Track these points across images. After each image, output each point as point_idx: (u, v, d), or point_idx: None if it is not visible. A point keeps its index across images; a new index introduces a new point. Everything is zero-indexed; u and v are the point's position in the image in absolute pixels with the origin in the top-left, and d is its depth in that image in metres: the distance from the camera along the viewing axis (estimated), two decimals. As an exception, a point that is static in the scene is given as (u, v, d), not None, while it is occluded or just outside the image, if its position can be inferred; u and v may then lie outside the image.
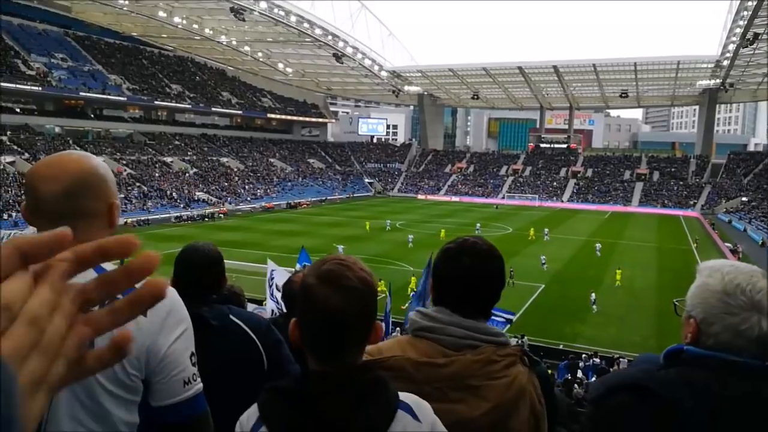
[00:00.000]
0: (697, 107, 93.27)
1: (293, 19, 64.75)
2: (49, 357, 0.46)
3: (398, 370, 1.51)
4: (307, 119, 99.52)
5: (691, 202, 72.57)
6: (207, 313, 2.11)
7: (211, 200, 60.76)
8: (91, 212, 1.38)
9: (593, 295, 27.25)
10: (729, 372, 1.22)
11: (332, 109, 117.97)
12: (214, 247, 2.46)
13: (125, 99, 69.36)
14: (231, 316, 2.22)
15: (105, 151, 62.54)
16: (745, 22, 49.74)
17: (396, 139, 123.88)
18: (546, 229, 48.10)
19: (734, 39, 55.93)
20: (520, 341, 21.23)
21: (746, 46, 54.61)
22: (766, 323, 1.22)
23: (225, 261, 2.50)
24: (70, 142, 61.46)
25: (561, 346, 21.79)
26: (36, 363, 0.45)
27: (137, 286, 0.60)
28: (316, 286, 1.26)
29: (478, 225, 49.94)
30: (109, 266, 1.33)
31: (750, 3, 46.16)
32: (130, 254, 0.58)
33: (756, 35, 51.40)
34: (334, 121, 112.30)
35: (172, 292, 1.40)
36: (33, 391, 0.46)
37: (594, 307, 26.70)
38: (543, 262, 34.46)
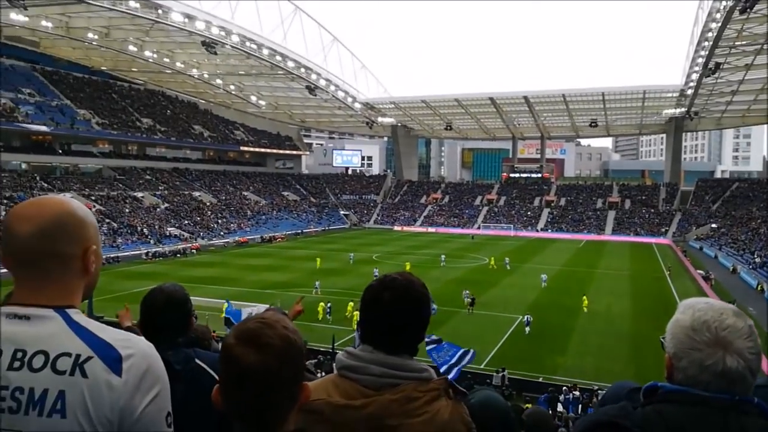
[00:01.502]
0: (664, 135, 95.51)
1: (265, 52, 64.93)
2: None
3: (318, 413, 1.53)
4: (281, 152, 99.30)
5: (663, 230, 73.64)
6: (172, 357, 2.03)
7: (183, 235, 59.62)
8: (64, 256, 1.36)
9: (528, 317, 27.94)
10: (699, 406, 1.28)
11: (306, 141, 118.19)
12: (180, 288, 2.43)
13: (94, 134, 68.37)
14: (197, 360, 2.17)
15: (73, 187, 61.24)
16: (707, 53, 51.28)
17: (371, 171, 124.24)
18: (507, 258, 48.75)
19: (697, 69, 57.60)
20: (501, 374, 20.85)
21: (708, 76, 56.18)
22: (731, 359, 1.26)
23: (197, 298, 2.25)
24: (37, 178, 60.07)
25: (540, 379, 21.40)
26: None
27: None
28: (234, 345, 1.24)
29: (443, 256, 49.54)
30: (83, 319, 1.36)
31: (710, 34, 47.63)
32: None
33: (717, 65, 52.94)
34: (308, 153, 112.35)
35: (150, 350, 1.38)
36: None
37: (527, 329, 27.31)
38: (466, 296, 32.50)
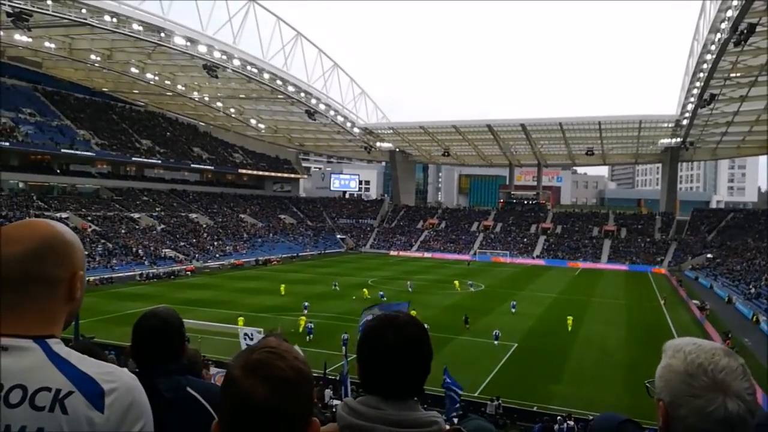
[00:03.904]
0: (660, 165, 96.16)
1: (266, 76, 65.53)
2: None
3: None
4: (279, 175, 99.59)
5: (659, 259, 73.66)
6: (162, 384, 1.98)
7: (179, 257, 59.42)
8: (51, 280, 1.30)
9: (497, 332, 30.49)
10: None
11: (304, 164, 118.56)
12: (174, 313, 2.35)
13: (93, 154, 68.53)
14: (188, 388, 2.06)
15: (70, 207, 61.21)
16: (702, 84, 51.85)
17: (368, 195, 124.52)
18: (470, 281, 51.07)
19: (692, 100, 58.17)
20: (495, 403, 20.67)
21: (703, 107, 56.76)
22: (732, 403, 1.20)
23: (190, 321, 2.23)
24: (34, 197, 60.03)
25: (535, 408, 21.20)
26: None
27: None
28: (241, 378, 1.13)
29: (410, 283, 48.79)
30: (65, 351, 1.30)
31: (705, 66, 48.25)
32: None
33: (713, 96, 53.50)
34: (306, 176, 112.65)
35: (133, 382, 1.32)
36: None
37: (496, 342, 29.77)
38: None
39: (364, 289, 43.33)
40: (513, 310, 38.63)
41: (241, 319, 32.13)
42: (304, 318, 32.13)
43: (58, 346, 1.28)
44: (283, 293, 43.19)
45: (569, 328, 33.73)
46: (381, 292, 43.72)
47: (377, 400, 1.49)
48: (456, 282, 49.95)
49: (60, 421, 1.18)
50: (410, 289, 46.44)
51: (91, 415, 1.21)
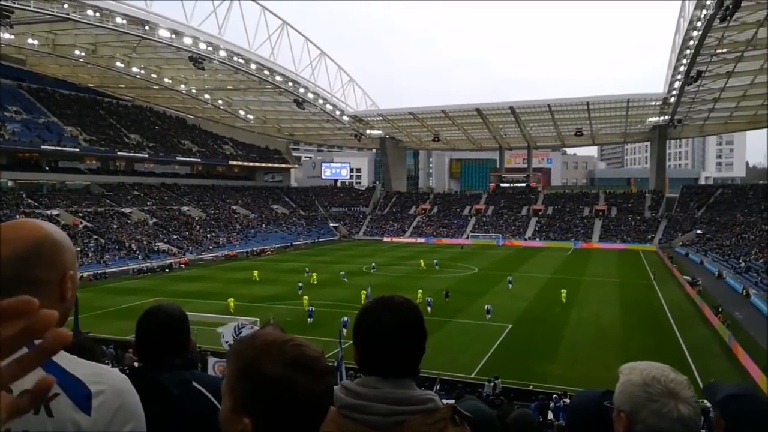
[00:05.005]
0: (648, 143, 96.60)
1: (253, 66, 65.07)
2: None
3: None
4: (270, 165, 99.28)
5: (649, 237, 74.31)
6: (168, 380, 2.01)
7: (172, 250, 59.36)
8: (41, 282, 1.25)
9: (488, 306, 31.95)
10: None
11: (295, 154, 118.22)
12: (178, 308, 2.37)
13: (81, 150, 68.01)
14: (193, 383, 2.08)
15: (60, 204, 60.87)
16: (688, 61, 51.97)
17: (360, 183, 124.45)
18: (435, 260, 53.74)
19: (679, 77, 58.28)
20: (493, 383, 20.99)
21: (690, 84, 56.91)
22: (683, 407, 1.43)
23: (186, 313, 2.35)
24: (24, 195, 59.65)
25: (530, 387, 21.56)
26: None
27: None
28: (296, 375, 1.15)
29: (373, 264, 51.93)
30: None
31: (692, 42, 48.36)
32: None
33: (699, 73, 53.68)
34: (297, 166, 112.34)
35: (123, 384, 1.30)
36: None
37: (488, 316, 31.28)
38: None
39: (313, 274, 44.48)
40: (510, 286, 40.16)
41: (231, 300, 33.58)
42: (306, 298, 33.19)
43: None
44: (257, 279, 44.67)
45: (564, 301, 35.47)
46: (342, 272, 46.34)
47: (375, 380, 1.55)
48: (421, 261, 53.17)
49: (45, 423, 1.15)
50: (372, 271, 49.32)
51: (77, 418, 1.18)
